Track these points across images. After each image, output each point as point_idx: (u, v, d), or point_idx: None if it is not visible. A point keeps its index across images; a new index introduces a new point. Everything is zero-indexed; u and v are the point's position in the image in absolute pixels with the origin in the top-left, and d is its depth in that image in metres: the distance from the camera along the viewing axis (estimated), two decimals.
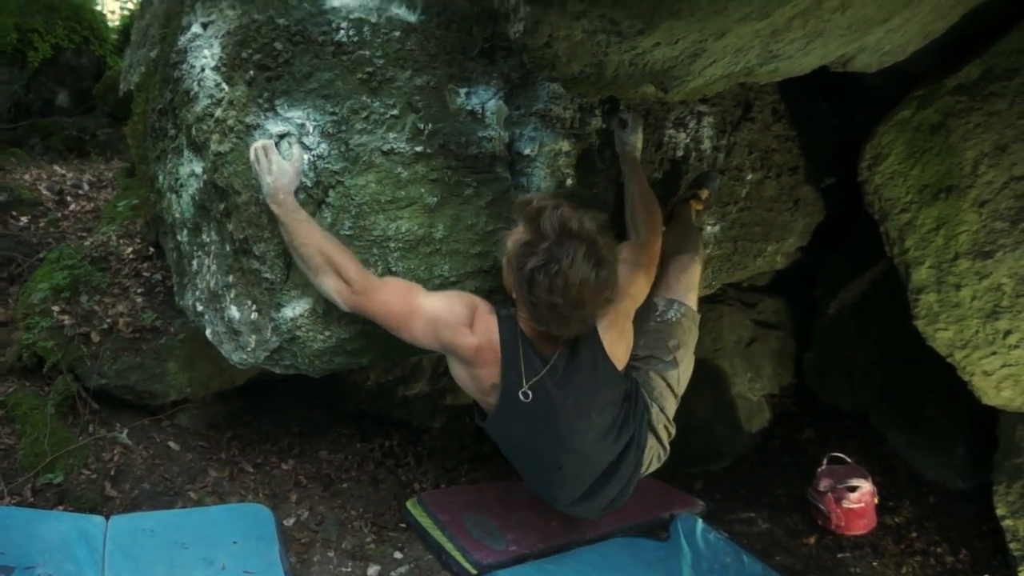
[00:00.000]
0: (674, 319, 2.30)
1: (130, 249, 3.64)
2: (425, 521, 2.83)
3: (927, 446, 3.36)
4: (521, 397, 1.96)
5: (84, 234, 4.03)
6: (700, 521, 2.81)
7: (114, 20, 9.51)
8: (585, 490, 2.17)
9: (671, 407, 2.29)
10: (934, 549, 2.90)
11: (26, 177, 5.01)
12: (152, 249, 3.63)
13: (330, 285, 2.01)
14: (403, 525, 2.94)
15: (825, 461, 3.14)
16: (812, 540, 2.94)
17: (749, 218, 3.08)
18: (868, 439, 3.55)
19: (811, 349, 4.02)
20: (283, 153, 2.11)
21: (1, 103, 7.71)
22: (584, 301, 1.80)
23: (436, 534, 2.75)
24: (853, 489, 2.95)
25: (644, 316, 2.31)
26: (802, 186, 3.24)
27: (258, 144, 2.09)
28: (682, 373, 2.30)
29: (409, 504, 2.97)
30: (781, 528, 3.02)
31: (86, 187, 4.99)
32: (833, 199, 3.40)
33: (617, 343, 2.08)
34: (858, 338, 3.69)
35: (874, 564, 2.81)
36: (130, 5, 10.17)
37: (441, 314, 1.98)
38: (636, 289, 2.16)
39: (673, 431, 2.32)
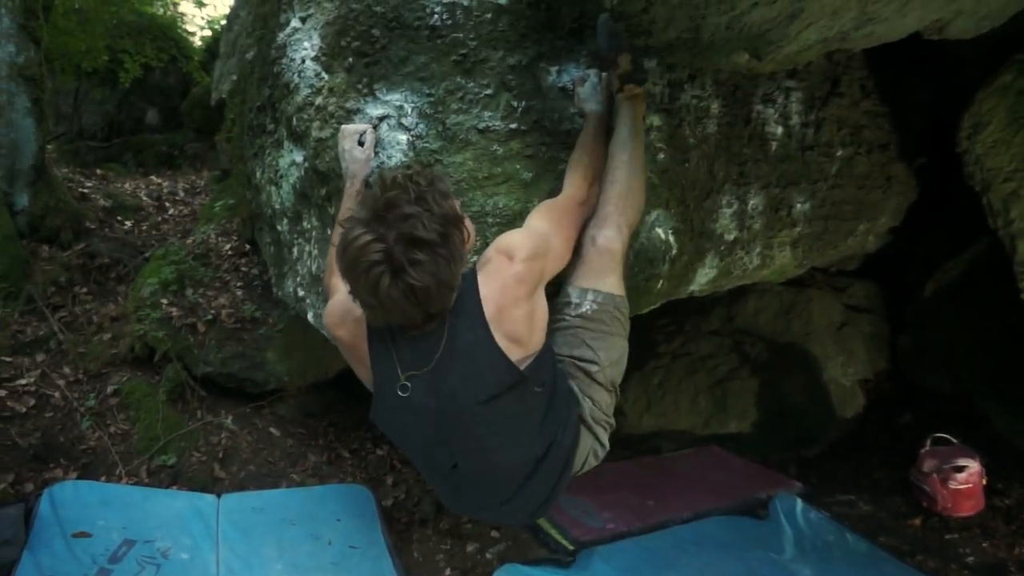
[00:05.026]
0: (589, 311, 1.95)
1: (228, 246, 3.81)
2: None
3: None
4: (399, 392, 1.68)
5: (183, 236, 4.23)
6: (800, 500, 2.76)
7: (199, 30, 9.92)
8: (506, 493, 1.83)
9: (604, 400, 1.96)
10: None
11: (126, 186, 5.30)
12: (248, 246, 3.79)
13: (324, 279, 2.10)
14: None
15: (929, 442, 3.03)
16: (918, 521, 2.84)
17: (840, 196, 3.01)
18: (970, 423, 3.40)
19: (906, 332, 3.89)
20: (381, 136, 2.19)
21: (95, 123, 8.18)
22: (378, 294, 1.45)
23: None
24: (960, 469, 2.84)
25: (555, 310, 1.95)
26: (894, 163, 3.14)
27: (344, 128, 2.18)
28: (607, 366, 1.95)
29: None
30: (884, 510, 2.93)
31: (182, 193, 5.24)
32: (926, 180, 3.29)
33: (518, 321, 1.68)
34: (958, 319, 3.55)
35: (984, 545, 2.69)
36: (208, 17, 10.62)
37: (325, 314, 1.83)
38: (548, 259, 1.78)
39: (613, 424, 2.00)
